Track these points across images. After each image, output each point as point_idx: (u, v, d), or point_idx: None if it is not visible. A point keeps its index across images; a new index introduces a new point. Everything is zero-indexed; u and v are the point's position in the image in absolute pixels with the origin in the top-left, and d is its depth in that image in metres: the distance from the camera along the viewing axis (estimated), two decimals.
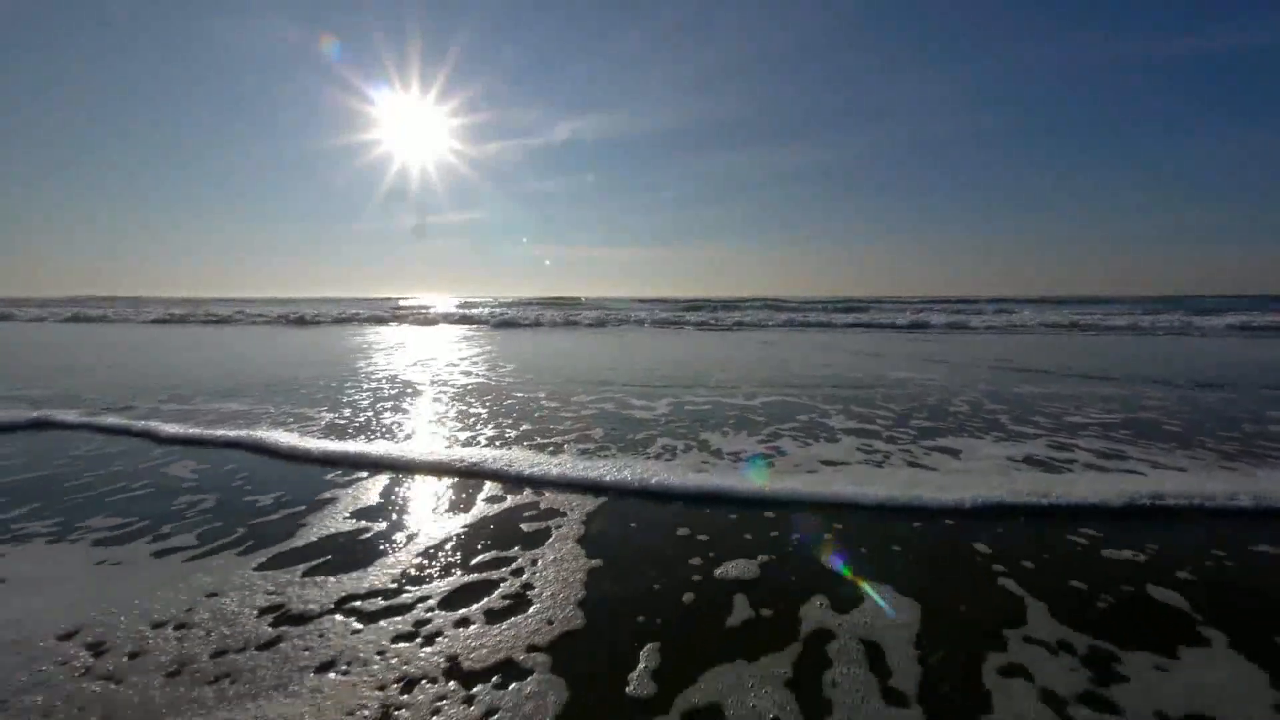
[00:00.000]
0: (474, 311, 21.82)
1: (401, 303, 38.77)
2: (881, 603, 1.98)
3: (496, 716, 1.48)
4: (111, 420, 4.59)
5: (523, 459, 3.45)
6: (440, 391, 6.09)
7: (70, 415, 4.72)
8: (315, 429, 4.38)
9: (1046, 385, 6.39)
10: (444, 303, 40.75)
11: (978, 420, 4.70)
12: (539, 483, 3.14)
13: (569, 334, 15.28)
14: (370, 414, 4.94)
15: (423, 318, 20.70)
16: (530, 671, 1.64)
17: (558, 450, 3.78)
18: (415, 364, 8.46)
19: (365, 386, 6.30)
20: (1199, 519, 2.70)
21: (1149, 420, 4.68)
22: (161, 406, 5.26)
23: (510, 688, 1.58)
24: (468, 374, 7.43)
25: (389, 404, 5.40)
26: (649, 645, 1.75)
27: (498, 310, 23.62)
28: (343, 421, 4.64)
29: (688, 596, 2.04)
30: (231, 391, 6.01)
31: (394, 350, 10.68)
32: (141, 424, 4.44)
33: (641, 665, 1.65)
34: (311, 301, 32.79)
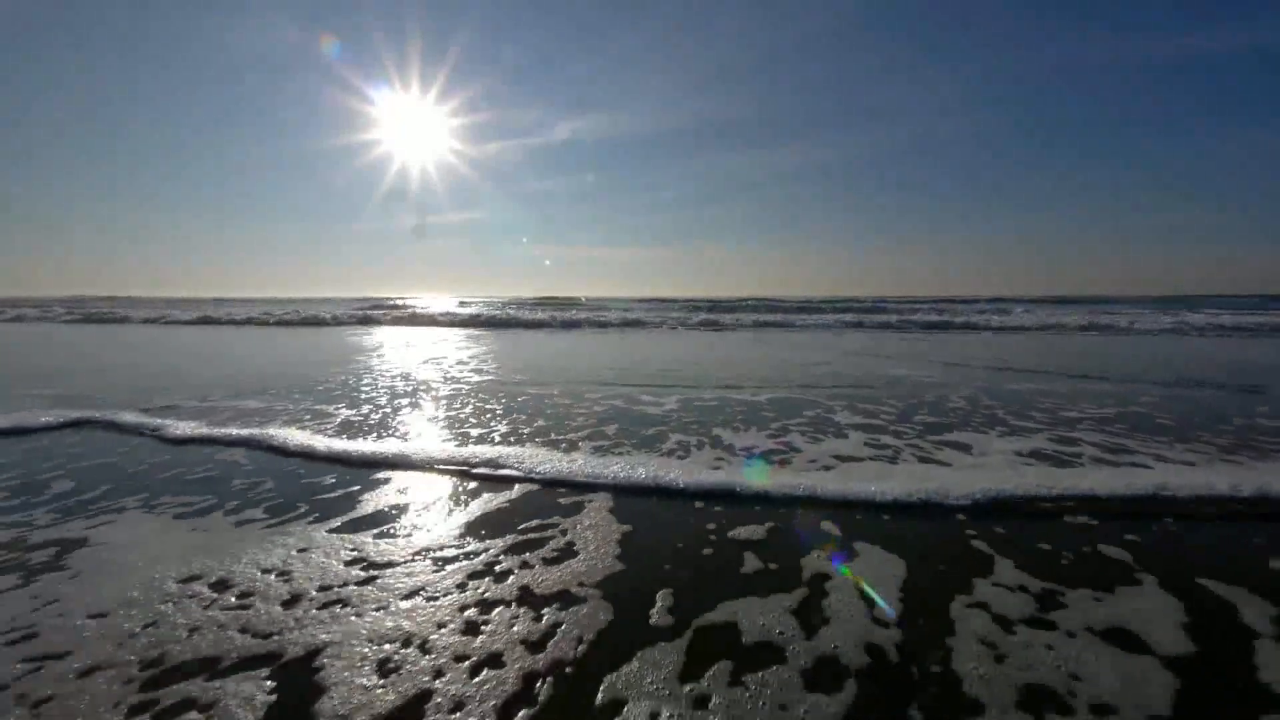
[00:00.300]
0: (481, 312, 22.05)
1: (404, 302, 38.90)
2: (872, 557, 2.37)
3: (561, 628, 1.86)
4: (156, 420, 4.91)
5: (542, 455, 3.78)
6: (473, 389, 6.43)
7: (126, 415, 5.04)
8: (353, 429, 4.71)
9: (1042, 383, 6.72)
10: (447, 303, 40.96)
11: (979, 416, 5.04)
12: (564, 479, 3.47)
13: (576, 335, 15.55)
14: (405, 411, 5.30)
15: (430, 318, 20.92)
16: (584, 600, 2.03)
17: (573, 446, 4.12)
18: (456, 363, 8.76)
19: (390, 385, 6.64)
20: (1192, 507, 3.12)
21: (1138, 414, 5.06)
22: (200, 404, 5.58)
23: (569, 609, 1.97)
24: (480, 372, 7.78)
25: (414, 401, 5.74)
26: (677, 584, 2.14)
27: (502, 310, 23.87)
28: (376, 418, 4.99)
29: (707, 551, 2.43)
30: (259, 390, 6.33)
31: (408, 349, 10.97)
32: (181, 422, 4.76)
33: (671, 597, 2.04)
34: (313, 301, 32.55)
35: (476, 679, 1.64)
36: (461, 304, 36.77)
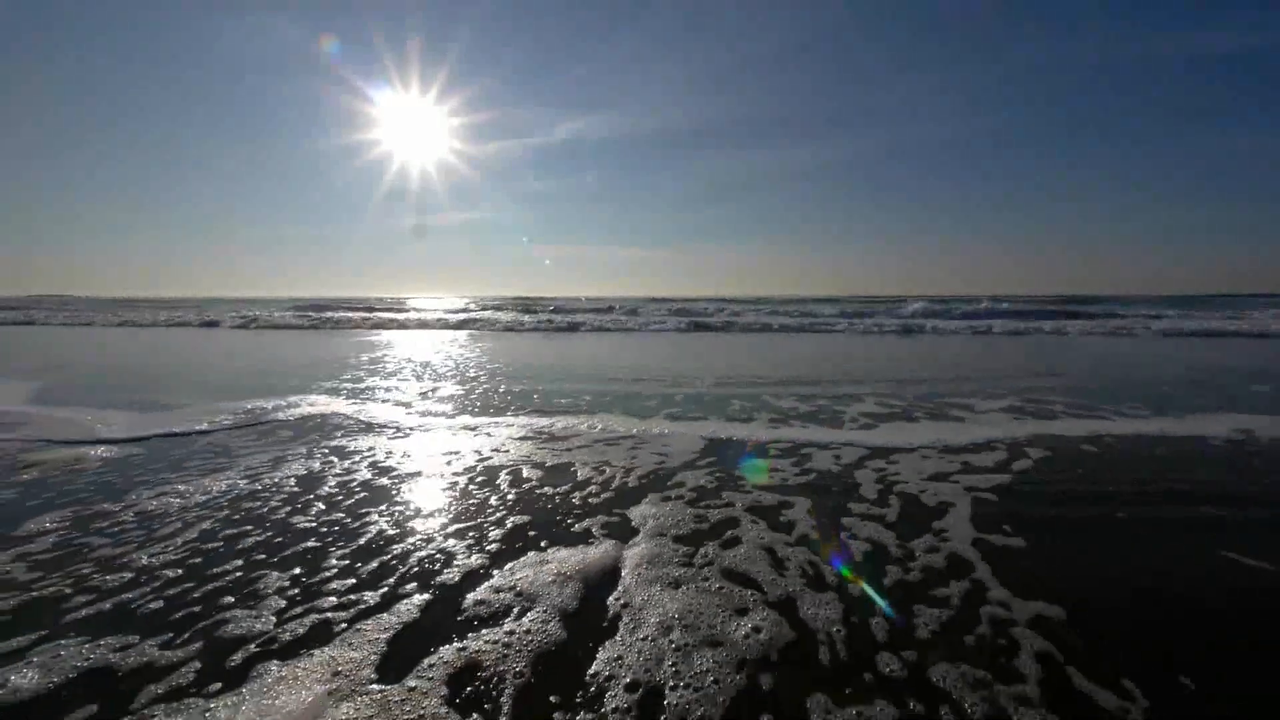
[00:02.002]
0: (528, 317, 21.43)
1: (413, 302, 39.85)
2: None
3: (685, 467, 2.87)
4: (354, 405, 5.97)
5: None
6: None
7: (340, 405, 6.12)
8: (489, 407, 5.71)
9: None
10: (455, 302, 41.91)
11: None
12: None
13: (607, 337, 16.34)
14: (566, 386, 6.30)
15: (491, 323, 20.15)
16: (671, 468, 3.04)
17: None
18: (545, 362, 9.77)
19: (501, 372, 7.65)
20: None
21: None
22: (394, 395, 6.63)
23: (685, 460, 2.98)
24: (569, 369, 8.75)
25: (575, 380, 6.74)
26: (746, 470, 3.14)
27: (551, 316, 22.71)
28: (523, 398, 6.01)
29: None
30: (393, 374, 7.40)
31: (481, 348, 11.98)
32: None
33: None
34: (315, 301, 33.18)
35: None
36: (470, 303, 36.91)
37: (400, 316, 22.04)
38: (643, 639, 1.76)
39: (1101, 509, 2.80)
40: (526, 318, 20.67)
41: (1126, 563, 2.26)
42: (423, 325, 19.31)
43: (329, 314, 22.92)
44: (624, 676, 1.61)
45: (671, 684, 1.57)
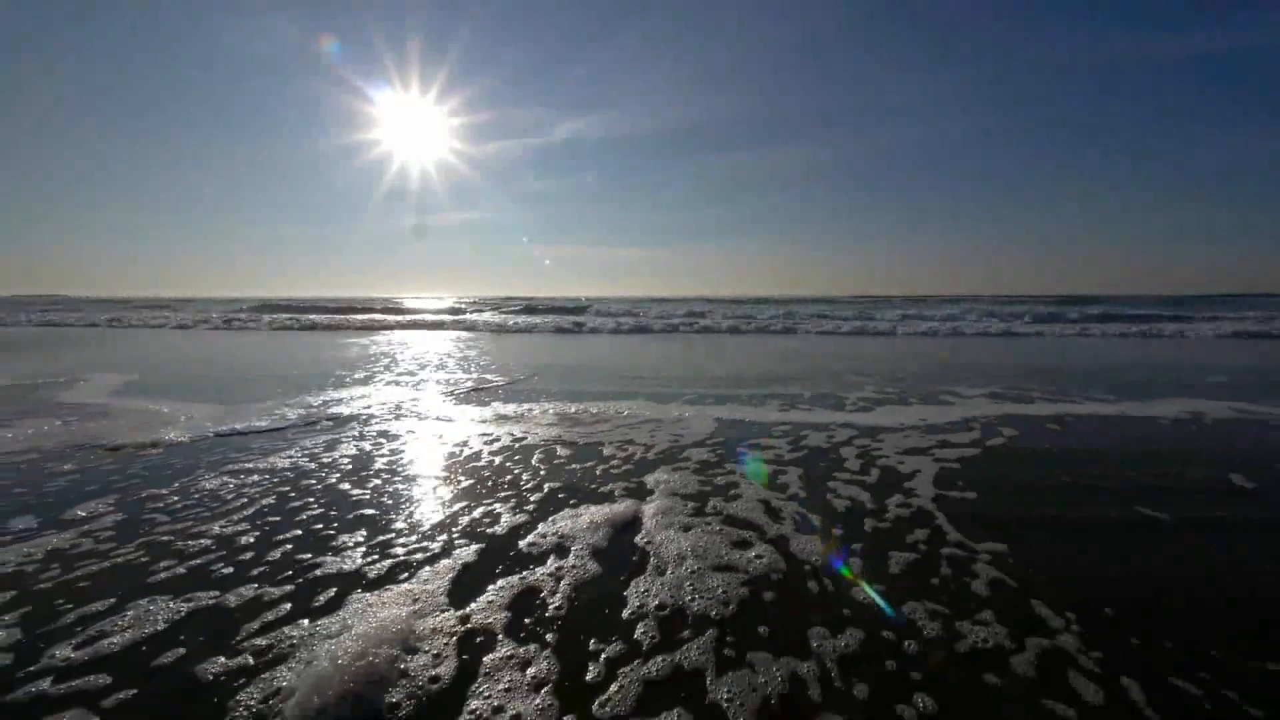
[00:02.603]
0: (537, 320, 21.53)
1: (420, 303, 39.95)
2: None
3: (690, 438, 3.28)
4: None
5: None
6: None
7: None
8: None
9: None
10: (459, 301, 42.17)
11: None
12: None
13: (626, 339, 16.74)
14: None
15: (504, 325, 20.39)
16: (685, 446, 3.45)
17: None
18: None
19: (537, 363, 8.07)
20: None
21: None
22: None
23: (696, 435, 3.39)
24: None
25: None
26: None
27: (553, 316, 23.11)
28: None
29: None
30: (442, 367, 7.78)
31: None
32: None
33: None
34: (318, 302, 33.00)
35: None
36: (473, 304, 37.28)
37: (415, 316, 22.27)
38: (663, 566, 2.19)
39: (1058, 478, 3.28)
40: (539, 319, 20.82)
41: (1063, 512, 2.74)
42: (439, 325, 19.62)
43: (352, 316, 23.27)
44: (653, 590, 2.03)
45: (689, 597, 1.98)
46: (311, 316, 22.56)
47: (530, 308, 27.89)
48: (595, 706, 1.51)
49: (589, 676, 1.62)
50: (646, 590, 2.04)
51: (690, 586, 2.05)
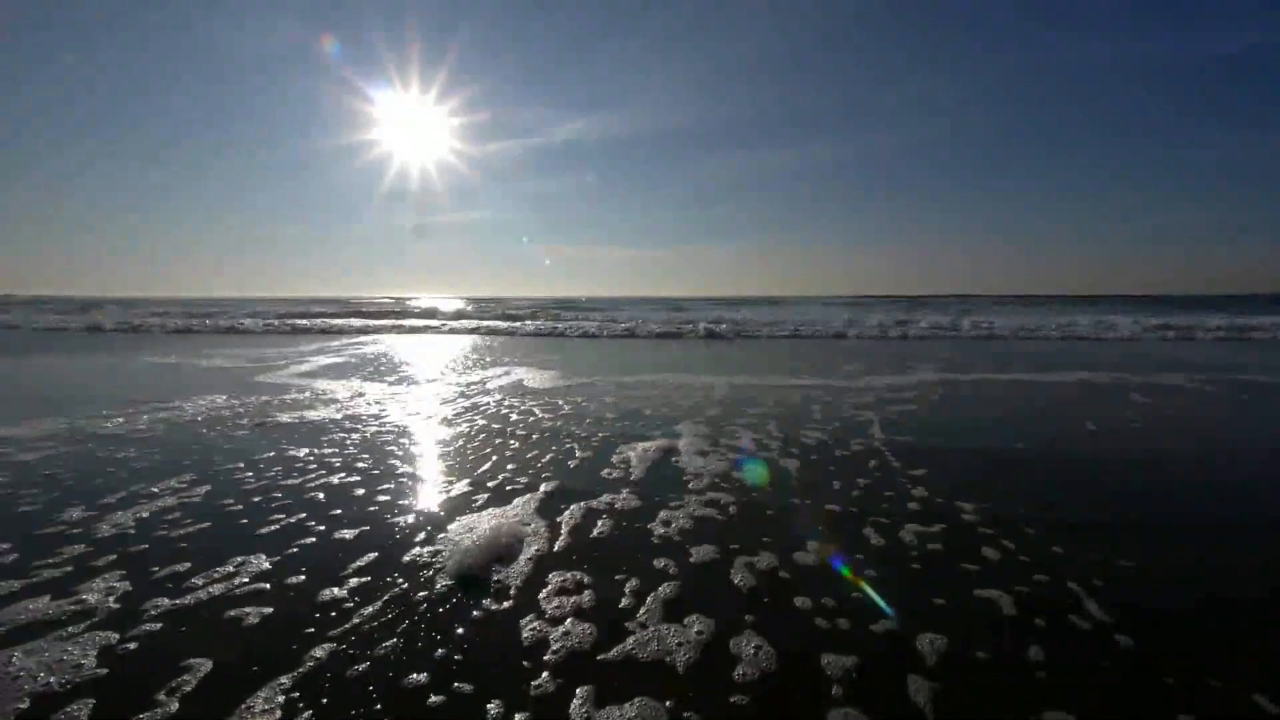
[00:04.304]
0: (560, 325, 20.02)
1: (435, 304, 38.99)
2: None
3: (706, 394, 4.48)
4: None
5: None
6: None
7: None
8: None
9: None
10: (459, 303, 41.17)
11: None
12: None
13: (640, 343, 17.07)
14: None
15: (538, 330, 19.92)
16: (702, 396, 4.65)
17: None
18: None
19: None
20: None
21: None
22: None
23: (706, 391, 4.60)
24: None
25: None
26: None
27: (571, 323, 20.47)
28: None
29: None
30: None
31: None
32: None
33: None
34: (320, 301, 32.27)
35: None
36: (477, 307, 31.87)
37: (478, 323, 20.52)
38: (694, 474, 3.38)
39: (967, 418, 4.57)
40: (566, 325, 19.22)
41: (989, 444, 4.00)
42: (476, 331, 17.94)
43: (456, 322, 21.10)
44: (688, 482, 3.24)
45: (710, 491, 3.16)
46: (449, 323, 20.33)
47: (556, 314, 25.87)
48: (657, 529, 2.63)
49: (641, 525, 2.78)
50: (686, 479, 3.25)
51: (709, 483, 3.23)
